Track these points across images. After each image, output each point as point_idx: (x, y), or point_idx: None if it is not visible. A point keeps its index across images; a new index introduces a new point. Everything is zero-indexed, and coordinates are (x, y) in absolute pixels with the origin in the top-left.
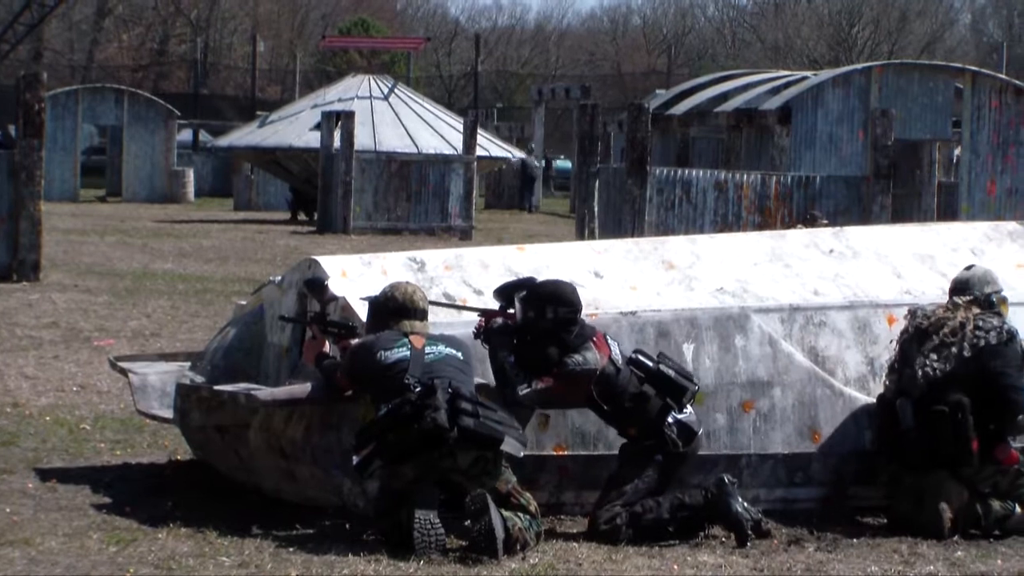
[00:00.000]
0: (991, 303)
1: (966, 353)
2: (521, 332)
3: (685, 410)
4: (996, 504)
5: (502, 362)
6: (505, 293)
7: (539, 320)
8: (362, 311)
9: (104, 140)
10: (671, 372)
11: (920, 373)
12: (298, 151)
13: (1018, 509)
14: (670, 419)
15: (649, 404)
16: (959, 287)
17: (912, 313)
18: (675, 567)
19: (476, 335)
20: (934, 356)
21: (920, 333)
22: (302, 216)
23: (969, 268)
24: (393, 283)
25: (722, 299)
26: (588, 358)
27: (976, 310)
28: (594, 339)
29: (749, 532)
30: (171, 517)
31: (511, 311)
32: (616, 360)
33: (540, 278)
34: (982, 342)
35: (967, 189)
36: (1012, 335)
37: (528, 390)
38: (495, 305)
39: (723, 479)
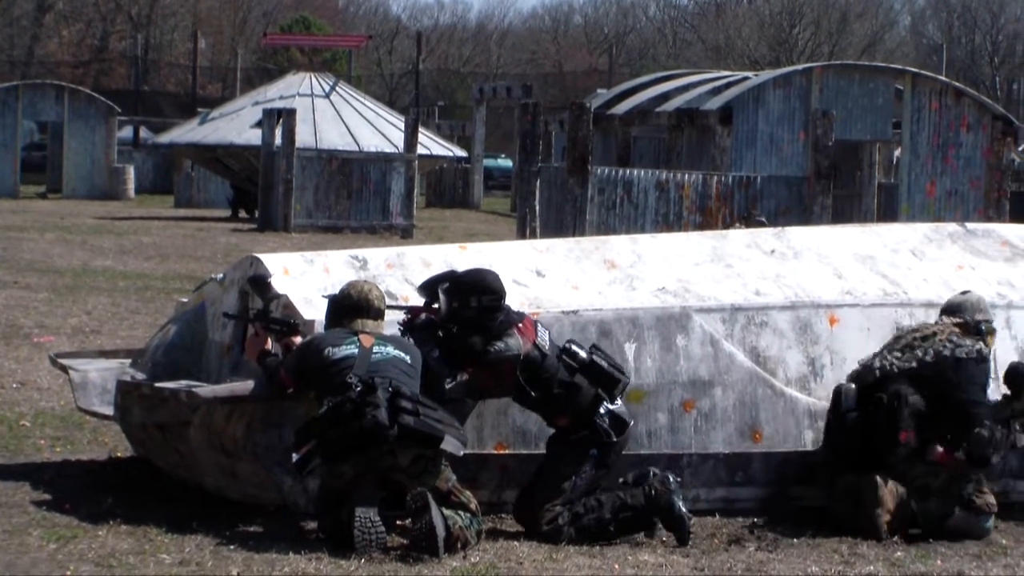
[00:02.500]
0: (979, 331)
1: (928, 358)
2: (446, 324)
3: (616, 402)
4: (934, 504)
5: (426, 357)
6: (428, 288)
7: (464, 310)
8: (305, 308)
9: (44, 136)
10: (604, 364)
11: (878, 364)
12: (239, 148)
13: (958, 510)
14: (602, 410)
15: (581, 394)
16: (951, 309)
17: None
18: (616, 566)
19: (401, 332)
20: (897, 353)
21: (895, 338)
22: (243, 213)
23: (964, 293)
24: (351, 281)
25: (664, 299)
26: (510, 344)
27: (957, 330)
28: (520, 325)
29: (691, 531)
30: (111, 514)
31: (435, 306)
32: (542, 345)
33: (448, 263)
34: (946, 351)
35: (907, 190)
36: (984, 357)
37: (453, 383)
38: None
39: (667, 477)
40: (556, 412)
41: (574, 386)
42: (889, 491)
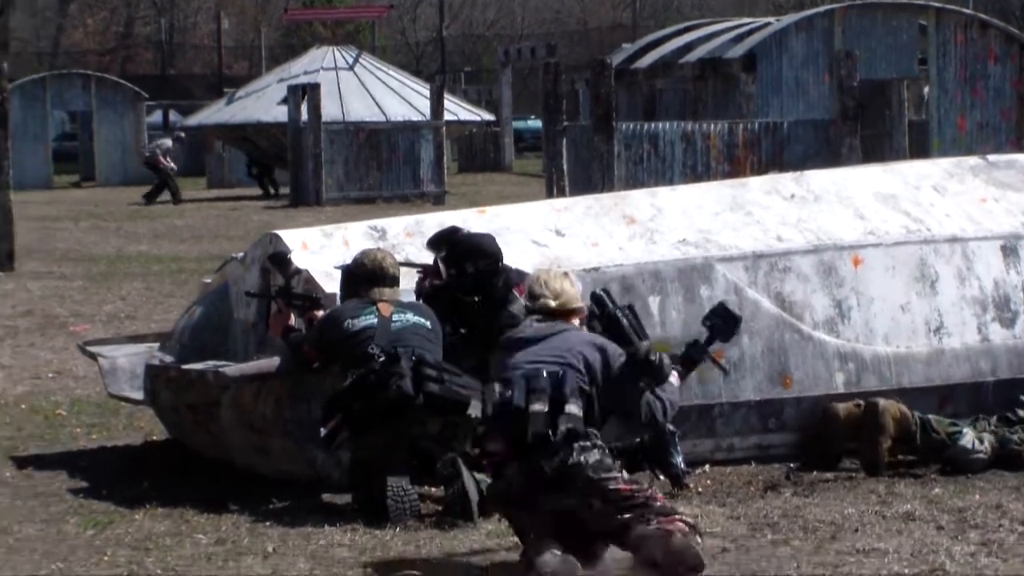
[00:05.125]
0: None
1: None
2: (450, 290)
3: None
4: (941, 428)
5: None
6: (435, 245)
7: (461, 277)
8: (326, 282)
9: (75, 126)
10: (624, 322)
11: None
12: (267, 126)
13: (967, 434)
14: None
15: None
16: None
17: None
18: None
19: (417, 295)
20: None
21: None
22: (271, 189)
23: None
24: (364, 250)
25: (685, 250)
26: (515, 311)
27: None
28: (522, 285)
29: (686, 484)
30: (148, 498)
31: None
32: None
33: (466, 228)
34: None
35: (937, 126)
36: None
37: (469, 362)
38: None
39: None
40: None
41: (590, 328)
42: (893, 416)
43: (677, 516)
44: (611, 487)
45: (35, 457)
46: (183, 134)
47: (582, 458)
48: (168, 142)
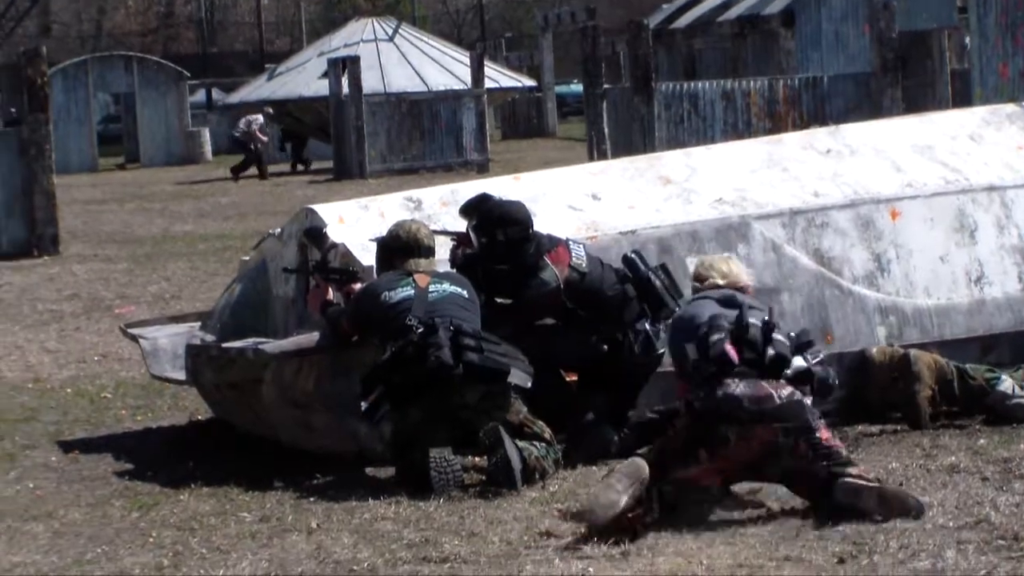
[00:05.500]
0: None
1: None
2: (481, 260)
3: (659, 327)
4: (978, 375)
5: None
6: (465, 212)
7: (492, 245)
8: (362, 255)
9: (119, 108)
10: (658, 283)
11: None
12: (308, 101)
13: (1006, 380)
14: (639, 326)
15: (629, 308)
16: None
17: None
18: None
19: (450, 264)
20: None
21: None
22: (301, 164)
23: None
24: (398, 222)
25: (722, 209)
26: (545, 278)
27: None
28: (552, 252)
29: None
30: (193, 478)
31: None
32: (578, 265)
33: (500, 195)
34: None
35: (979, 74)
36: None
37: (504, 330)
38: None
39: None
40: (601, 324)
41: (624, 296)
42: (927, 365)
43: (861, 469)
44: (816, 435)
45: (81, 441)
46: (271, 109)
47: (803, 399)
48: (260, 118)
